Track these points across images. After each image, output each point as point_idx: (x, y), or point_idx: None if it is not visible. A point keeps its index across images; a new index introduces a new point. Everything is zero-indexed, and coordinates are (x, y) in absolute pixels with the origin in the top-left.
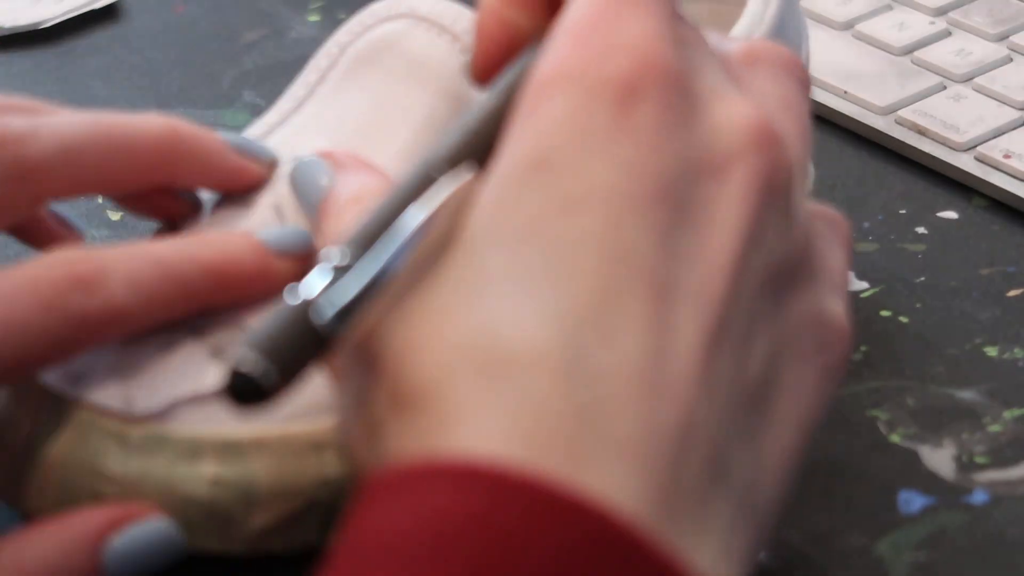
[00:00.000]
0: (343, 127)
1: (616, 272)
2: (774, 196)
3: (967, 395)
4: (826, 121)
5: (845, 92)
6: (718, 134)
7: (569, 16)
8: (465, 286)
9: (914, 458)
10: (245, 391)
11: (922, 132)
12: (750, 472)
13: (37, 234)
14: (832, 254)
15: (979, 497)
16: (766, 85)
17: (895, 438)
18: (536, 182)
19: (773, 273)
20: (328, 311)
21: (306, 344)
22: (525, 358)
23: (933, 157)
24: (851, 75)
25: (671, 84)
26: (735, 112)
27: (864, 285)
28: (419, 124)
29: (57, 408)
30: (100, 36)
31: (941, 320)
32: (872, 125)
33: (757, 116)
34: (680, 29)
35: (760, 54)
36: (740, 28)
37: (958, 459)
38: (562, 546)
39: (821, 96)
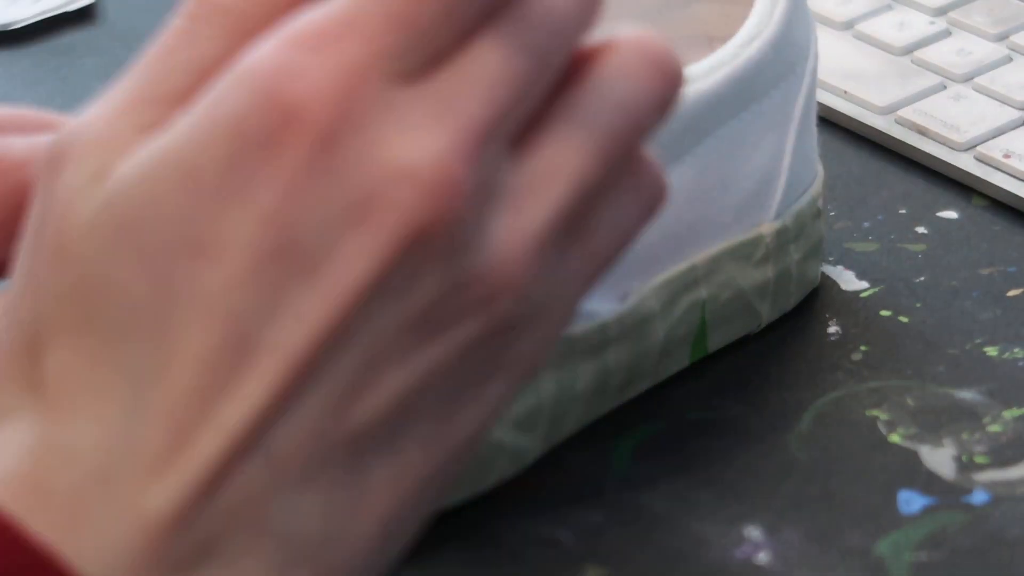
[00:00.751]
0: None
1: (185, 308)
2: (431, 248)
3: (967, 395)
4: (826, 121)
5: (845, 92)
6: (370, 176)
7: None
8: None
9: (914, 458)
10: None
11: (922, 132)
12: (316, 527)
13: None
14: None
15: (979, 497)
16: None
17: (895, 438)
18: (178, 203)
19: (421, 318)
20: None
21: None
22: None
23: (933, 157)
24: (851, 75)
25: (322, 123)
26: (399, 148)
27: (864, 285)
28: None
29: None
30: (76, 37)
31: (941, 320)
32: (872, 125)
33: (427, 152)
34: (392, 63)
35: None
36: (747, 29)
37: (958, 459)
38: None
39: (821, 96)
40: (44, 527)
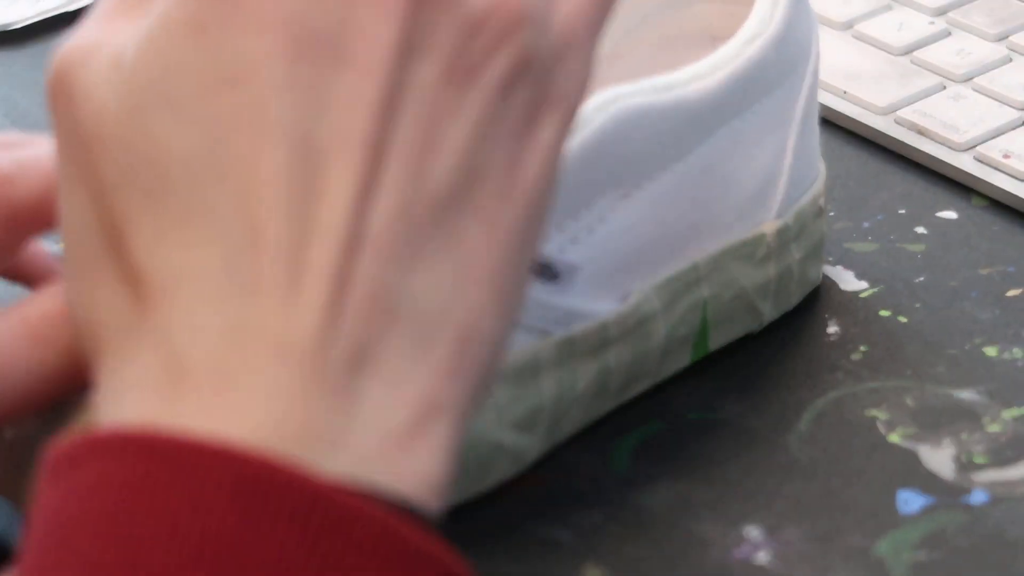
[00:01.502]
0: None
1: (254, 137)
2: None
3: (966, 395)
4: (826, 121)
5: (845, 92)
6: None
7: None
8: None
9: (913, 458)
10: None
11: (922, 132)
12: (435, 300)
13: (29, 273)
14: None
15: (978, 497)
16: None
17: (894, 438)
18: (194, 49)
19: (452, 64)
20: None
21: None
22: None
23: (933, 157)
24: (851, 75)
25: None
26: None
27: (864, 285)
28: None
29: (60, 409)
30: None
31: (941, 320)
32: (872, 125)
33: None
34: None
35: None
36: (749, 28)
37: (957, 459)
38: (190, 497)
39: (821, 96)
40: (195, 411)
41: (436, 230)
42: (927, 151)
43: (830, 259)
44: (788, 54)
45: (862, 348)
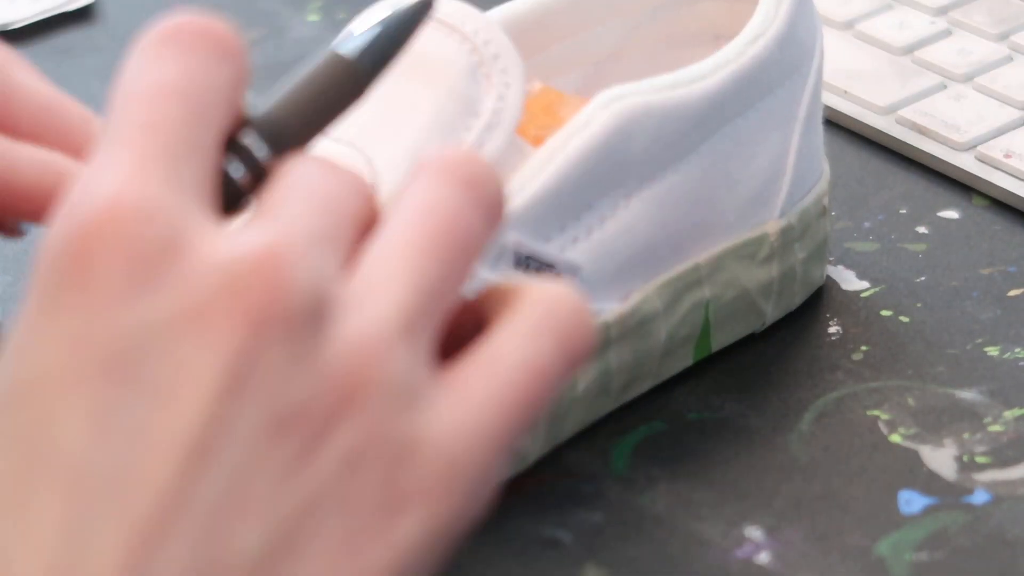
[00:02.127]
0: (351, 124)
1: (33, 471)
2: (275, 331)
3: (968, 395)
4: (827, 120)
5: (846, 92)
6: (195, 279)
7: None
8: None
9: (915, 458)
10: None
11: (923, 132)
12: None
13: None
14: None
15: (980, 497)
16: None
17: (896, 438)
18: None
19: (286, 417)
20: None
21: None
22: None
23: (934, 157)
24: (852, 74)
25: (132, 236)
26: (221, 248)
27: (865, 284)
28: (426, 122)
29: None
30: (75, 37)
31: (942, 320)
32: (873, 125)
33: (251, 244)
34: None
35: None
36: (752, 27)
37: (959, 459)
38: None
39: (823, 96)
40: None
41: None
42: (928, 150)
43: (831, 259)
44: (791, 53)
45: (863, 348)
